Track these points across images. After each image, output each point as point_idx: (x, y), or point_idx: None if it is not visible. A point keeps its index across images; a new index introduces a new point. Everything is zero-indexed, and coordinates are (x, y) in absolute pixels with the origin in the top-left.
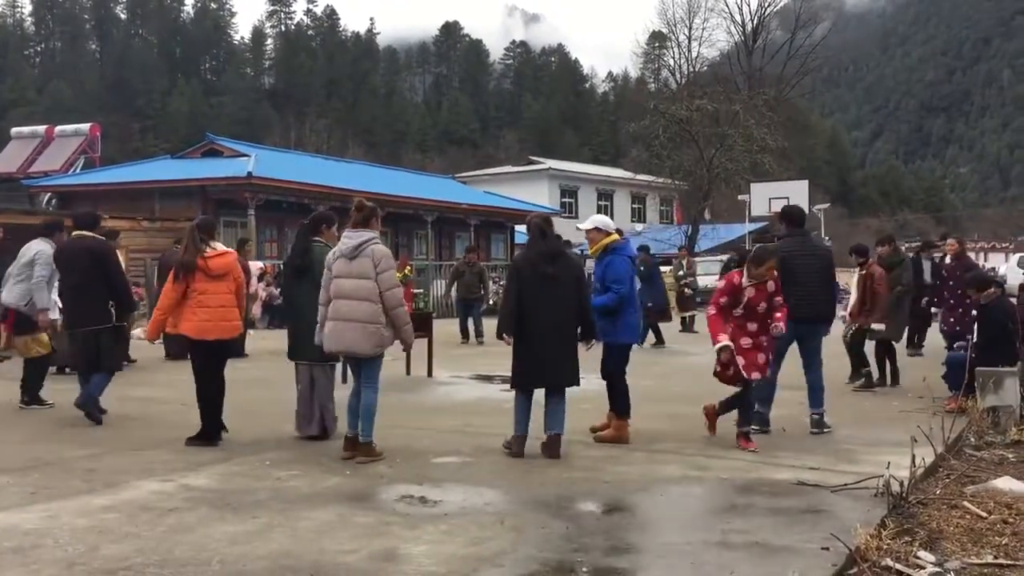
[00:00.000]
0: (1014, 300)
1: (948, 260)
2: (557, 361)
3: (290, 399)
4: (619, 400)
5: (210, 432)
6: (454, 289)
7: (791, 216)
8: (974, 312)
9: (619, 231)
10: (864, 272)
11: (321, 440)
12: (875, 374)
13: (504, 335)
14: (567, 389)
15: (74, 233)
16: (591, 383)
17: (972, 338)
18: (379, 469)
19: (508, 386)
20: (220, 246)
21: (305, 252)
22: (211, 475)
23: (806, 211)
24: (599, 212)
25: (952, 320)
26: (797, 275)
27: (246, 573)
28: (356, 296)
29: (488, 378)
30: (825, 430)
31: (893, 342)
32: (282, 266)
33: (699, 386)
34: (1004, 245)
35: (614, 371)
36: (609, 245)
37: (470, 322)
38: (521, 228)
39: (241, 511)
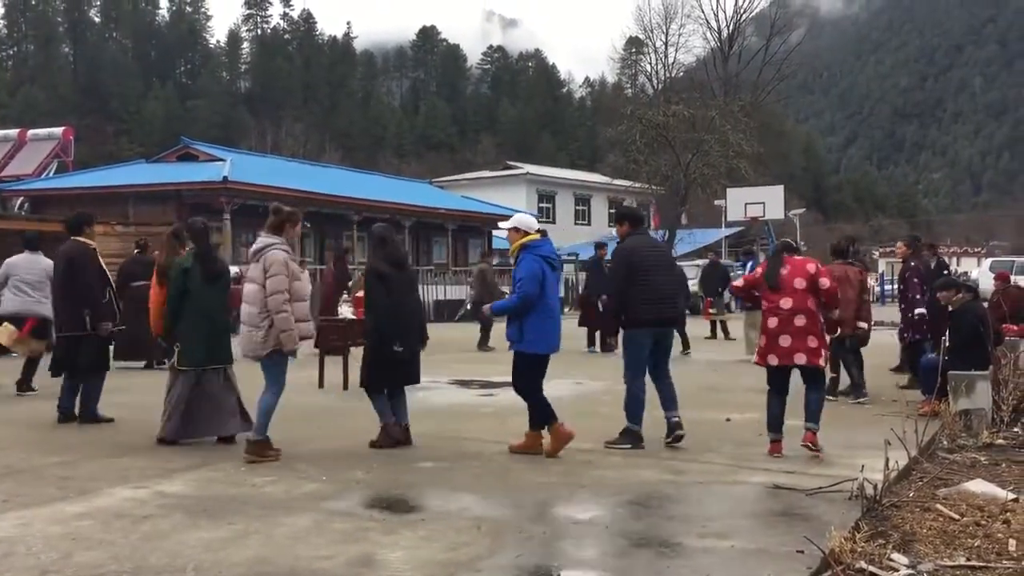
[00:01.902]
0: (985, 304)
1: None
2: (414, 363)
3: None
4: (533, 414)
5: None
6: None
7: (634, 216)
8: (917, 312)
9: (541, 231)
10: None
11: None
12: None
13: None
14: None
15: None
16: (567, 387)
17: (944, 342)
18: (355, 475)
19: (485, 390)
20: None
21: (215, 260)
22: (186, 481)
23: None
24: (577, 217)
25: (925, 328)
26: (649, 276)
27: None
28: (246, 300)
29: (466, 383)
30: (679, 433)
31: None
32: (191, 273)
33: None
34: (976, 250)
35: (523, 386)
36: (523, 244)
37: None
38: (499, 233)
39: (216, 518)
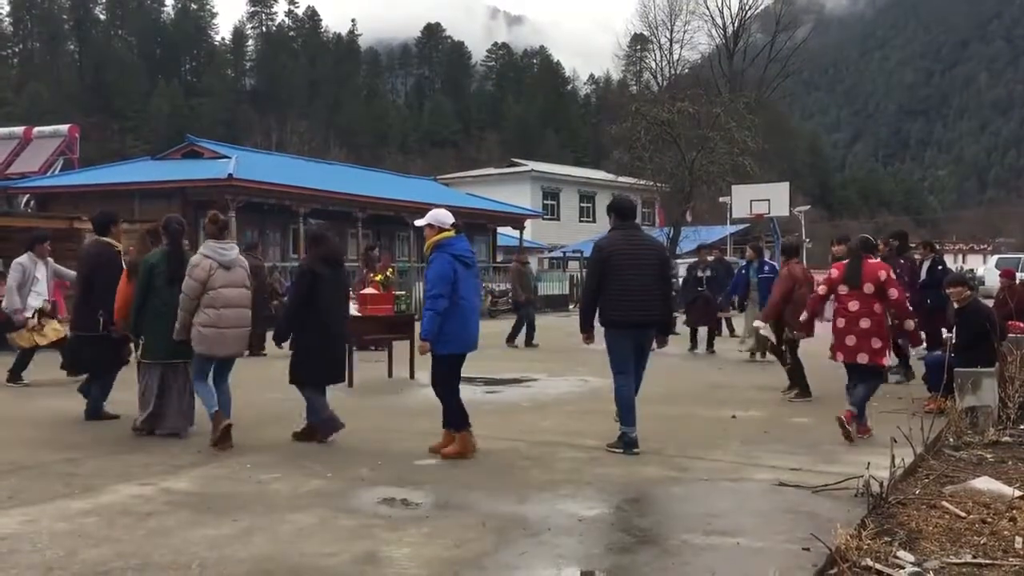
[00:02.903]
0: (990, 302)
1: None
2: (342, 360)
3: (267, 401)
4: (448, 416)
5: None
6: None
7: (619, 209)
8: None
9: (455, 226)
10: (785, 271)
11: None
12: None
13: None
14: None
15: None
16: (573, 384)
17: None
18: (360, 472)
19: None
20: None
21: (183, 261)
22: (191, 478)
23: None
24: (582, 214)
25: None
26: (623, 274)
27: None
28: (239, 304)
29: (470, 380)
30: (634, 451)
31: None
32: (156, 270)
33: (679, 387)
34: (982, 247)
35: (439, 386)
36: (436, 242)
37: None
38: (503, 230)
39: (221, 514)
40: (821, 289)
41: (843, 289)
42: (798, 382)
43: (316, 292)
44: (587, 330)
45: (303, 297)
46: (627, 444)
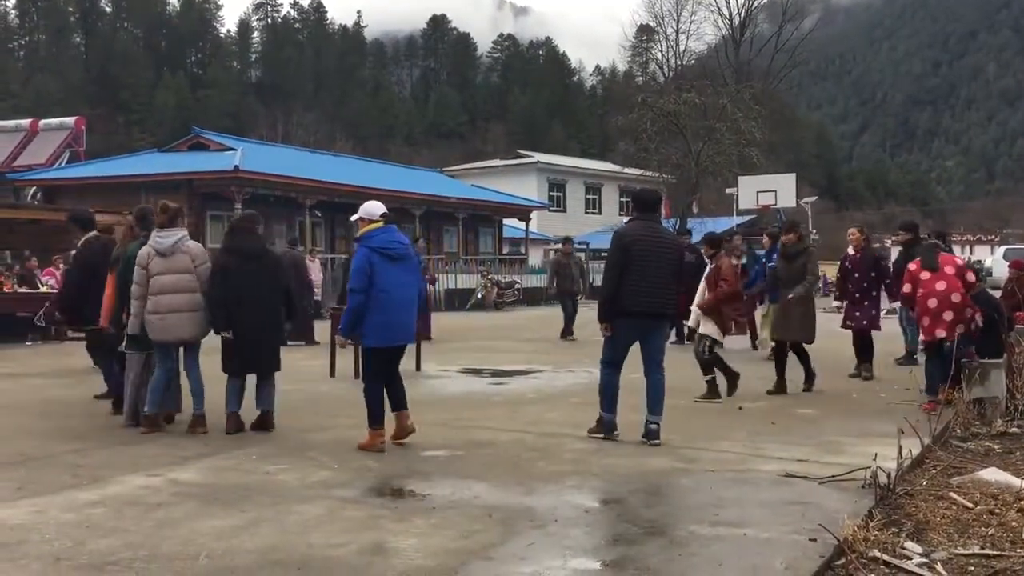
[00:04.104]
0: (998, 293)
1: (851, 251)
2: (259, 353)
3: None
4: (368, 409)
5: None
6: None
7: (641, 200)
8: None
9: (384, 216)
10: (714, 264)
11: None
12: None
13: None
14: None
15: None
16: (579, 376)
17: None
18: (367, 463)
19: (496, 379)
20: None
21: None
22: (198, 469)
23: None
24: (588, 206)
25: (858, 314)
26: (643, 264)
27: (234, 567)
28: (176, 290)
29: (477, 371)
30: (654, 442)
31: (805, 344)
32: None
33: (685, 378)
34: (990, 238)
35: (364, 376)
36: (358, 236)
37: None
38: (509, 222)
39: (229, 505)
40: (907, 288)
41: (925, 275)
42: (711, 382)
43: (225, 285)
44: (609, 318)
45: (214, 289)
46: (607, 427)
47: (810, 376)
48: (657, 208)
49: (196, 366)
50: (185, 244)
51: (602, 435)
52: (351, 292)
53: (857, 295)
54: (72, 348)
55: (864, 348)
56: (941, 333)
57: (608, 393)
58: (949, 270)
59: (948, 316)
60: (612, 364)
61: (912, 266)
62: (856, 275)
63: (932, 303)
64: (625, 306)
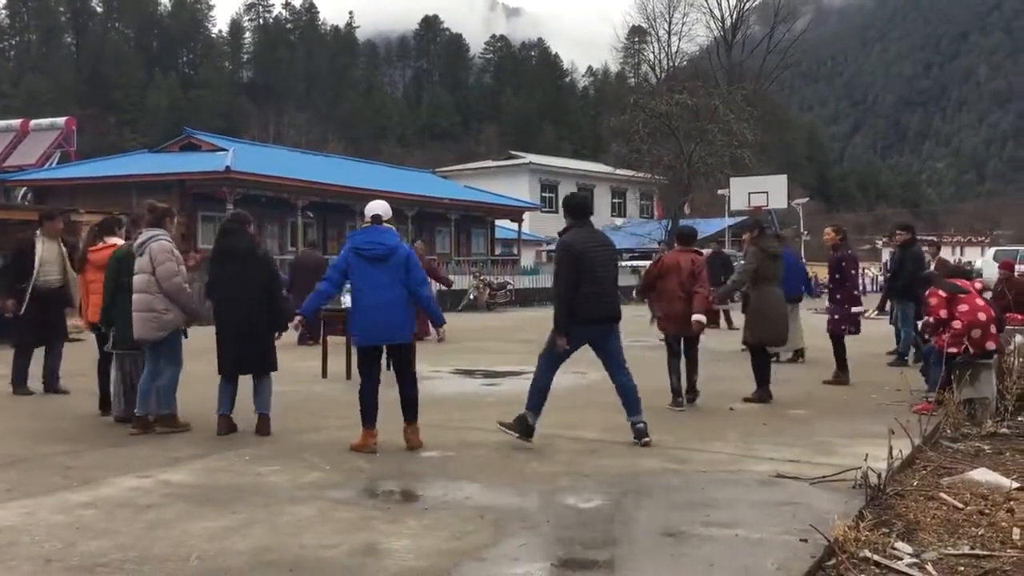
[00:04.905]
0: (988, 294)
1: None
2: (241, 354)
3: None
4: (360, 407)
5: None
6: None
7: (575, 206)
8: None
9: (376, 217)
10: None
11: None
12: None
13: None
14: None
15: None
16: (570, 377)
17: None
18: (359, 464)
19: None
20: (116, 240)
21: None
22: (190, 471)
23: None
24: None
25: (837, 318)
26: (593, 270)
27: (225, 569)
28: (137, 289)
29: (469, 372)
30: (644, 441)
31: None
32: (124, 264)
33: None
34: (980, 239)
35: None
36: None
37: None
38: (502, 223)
39: (220, 507)
40: (942, 314)
41: (959, 299)
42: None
43: (212, 287)
44: (567, 330)
45: (206, 290)
46: (524, 430)
47: (762, 382)
48: (590, 212)
49: (150, 366)
50: (150, 244)
51: (517, 433)
52: (318, 290)
53: (838, 296)
54: (64, 350)
55: (835, 351)
56: (992, 345)
57: (540, 392)
58: (972, 288)
59: (994, 329)
60: (553, 362)
61: (935, 299)
62: (837, 275)
63: (982, 316)
64: (583, 315)
